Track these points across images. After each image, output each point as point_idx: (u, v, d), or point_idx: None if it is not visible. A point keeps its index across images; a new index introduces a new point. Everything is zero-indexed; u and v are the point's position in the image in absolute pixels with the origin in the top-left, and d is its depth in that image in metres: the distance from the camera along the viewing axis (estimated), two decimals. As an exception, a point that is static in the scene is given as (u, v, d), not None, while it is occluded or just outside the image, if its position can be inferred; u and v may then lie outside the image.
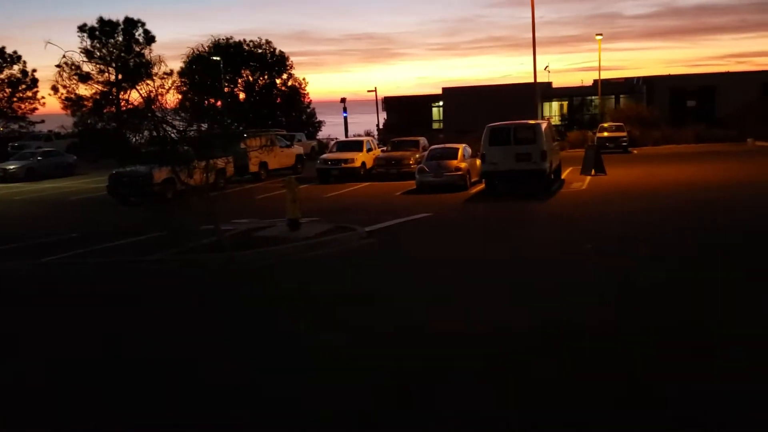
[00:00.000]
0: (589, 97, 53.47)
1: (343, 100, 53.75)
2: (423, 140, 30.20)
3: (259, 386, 6.08)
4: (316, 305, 8.90)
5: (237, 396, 5.80)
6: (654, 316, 7.59)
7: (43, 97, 54.16)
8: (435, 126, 54.76)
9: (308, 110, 57.93)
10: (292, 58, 72.22)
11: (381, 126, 57.39)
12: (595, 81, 50.19)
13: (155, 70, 32.76)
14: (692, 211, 15.50)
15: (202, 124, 14.09)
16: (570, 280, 9.51)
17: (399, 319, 7.92)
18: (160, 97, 13.76)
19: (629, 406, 5.22)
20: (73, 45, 60.32)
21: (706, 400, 5.22)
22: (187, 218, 13.33)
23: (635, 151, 36.36)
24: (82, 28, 49.91)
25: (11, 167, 35.74)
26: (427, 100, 57.73)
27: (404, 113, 54.97)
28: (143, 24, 50.98)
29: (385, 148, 31.42)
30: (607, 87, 51.16)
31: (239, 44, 54.31)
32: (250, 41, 55.26)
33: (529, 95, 37.95)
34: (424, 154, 25.42)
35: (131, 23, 50.69)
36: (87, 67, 48.97)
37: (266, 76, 54.93)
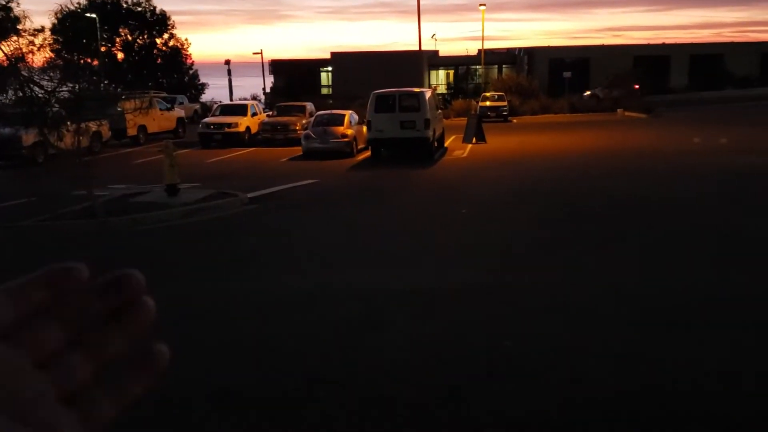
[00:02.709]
0: (474, 67, 54.79)
1: (227, 62, 52.44)
2: (310, 105, 30.04)
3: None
4: (183, 271, 8.84)
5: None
6: (516, 275, 8.08)
7: None
8: (324, 91, 54.41)
9: (191, 72, 56.03)
10: (174, 18, 69.53)
11: (268, 90, 56.43)
12: (480, 51, 51.46)
13: (23, 26, 30.73)
14: (560, 178, 16.37)
15: (76, 85, 13.45)
16: (442, 242, 9.90)
17: (271, 283, 8.02)
18: (29, 55, 13.03)
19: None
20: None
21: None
22: (59, 183, 12.79)
23: (515, 120, 37.74)
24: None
25: None
26: (315, 65, 57.19)
27: (292, 77, 54.23)
28: (9, -25, 47.40)
29: (271, 113, 31.04)
30: (490, 57, 52.59)
31: (117, 1, 51.67)
32: (129, -2, 52.66)
33: (417, 63, 38.46)
34: (310, 119, 25.34)
35: (-5, -27, 46.98)
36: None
37: (146, 36, 52.60)
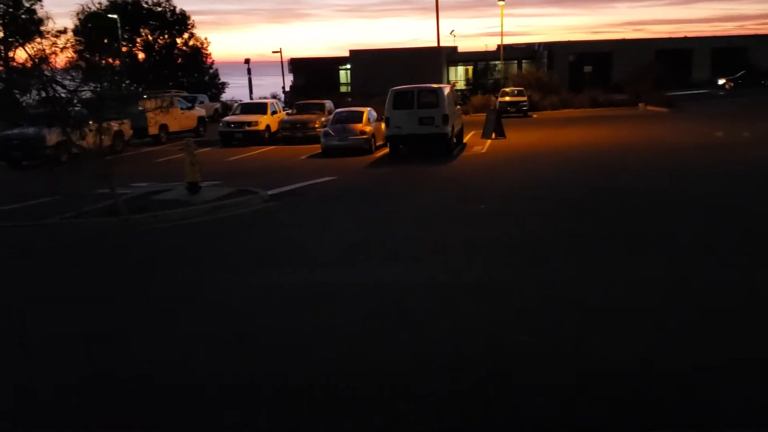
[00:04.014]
0: (493, 62, 54.49)
1: (247, 61, 52.68)
2: (329, 103, 30.13)
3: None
4: (203, 267, 8.93)
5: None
6: (527, 271, 8.07)
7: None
8: (343, 89, 54.50)
9: (211, 71, 56.38)
10: (194, 17, 70.09)
11: (287, 88, 56.63)
12: (499, 46, 51.21)
13: (45, 27, 31.10)
14: (580, 173, 16.29)
15: (97, 84, 13.61)
16: (460, 238, 9.90)
17: (291, 279, 8.08)
18: (52, 56, 13.20)
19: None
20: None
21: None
22: (83, 182, 12.97)
23: (535, 116, 37.53)
24: (-40, -20, 46.51)
25: None
26: (334, 63, 57.29)
27: (311, 75, 54.37)
28: (32, -23, 47.96)
29: (290, 111, 31.17)
30: (510, 52, 52.27)
31: (137, 2, 52.15)
32: (149, -1, 53.11)
33: (435, 59, 38.36)
34: (329, 117, 25.42)
35: (18, -24, 47.58)
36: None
37: (166, 36, 53.02)
